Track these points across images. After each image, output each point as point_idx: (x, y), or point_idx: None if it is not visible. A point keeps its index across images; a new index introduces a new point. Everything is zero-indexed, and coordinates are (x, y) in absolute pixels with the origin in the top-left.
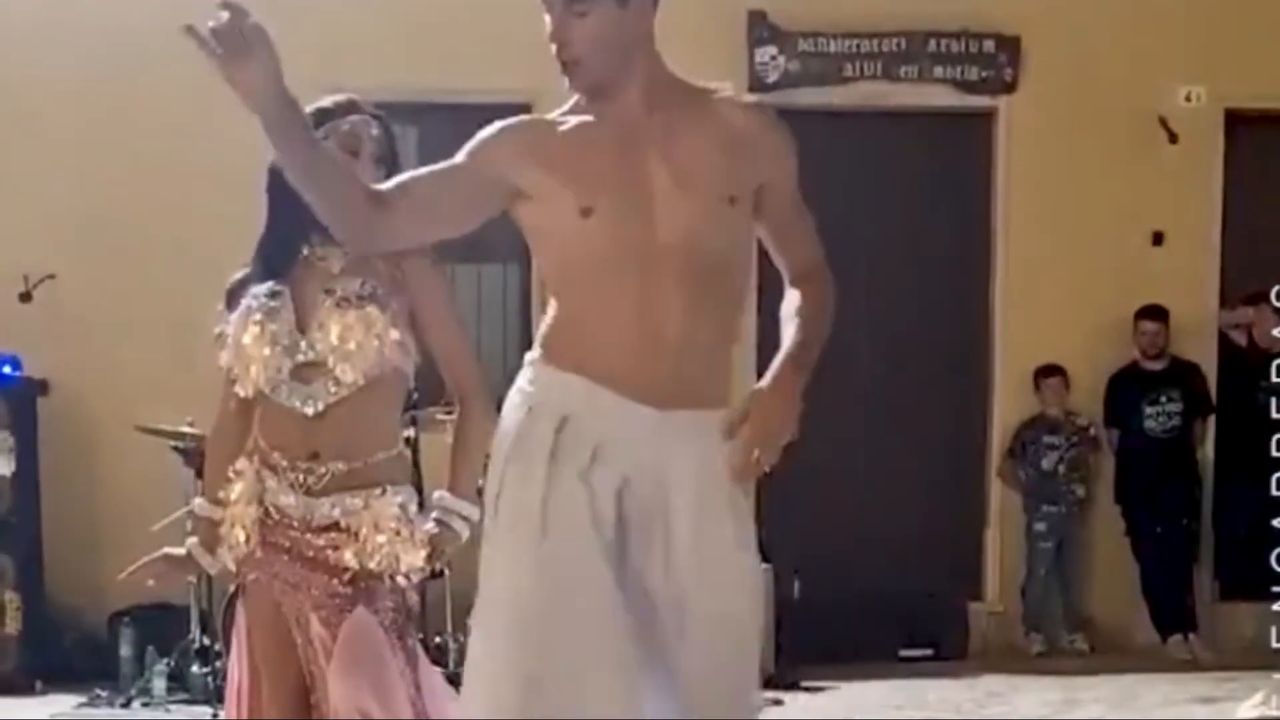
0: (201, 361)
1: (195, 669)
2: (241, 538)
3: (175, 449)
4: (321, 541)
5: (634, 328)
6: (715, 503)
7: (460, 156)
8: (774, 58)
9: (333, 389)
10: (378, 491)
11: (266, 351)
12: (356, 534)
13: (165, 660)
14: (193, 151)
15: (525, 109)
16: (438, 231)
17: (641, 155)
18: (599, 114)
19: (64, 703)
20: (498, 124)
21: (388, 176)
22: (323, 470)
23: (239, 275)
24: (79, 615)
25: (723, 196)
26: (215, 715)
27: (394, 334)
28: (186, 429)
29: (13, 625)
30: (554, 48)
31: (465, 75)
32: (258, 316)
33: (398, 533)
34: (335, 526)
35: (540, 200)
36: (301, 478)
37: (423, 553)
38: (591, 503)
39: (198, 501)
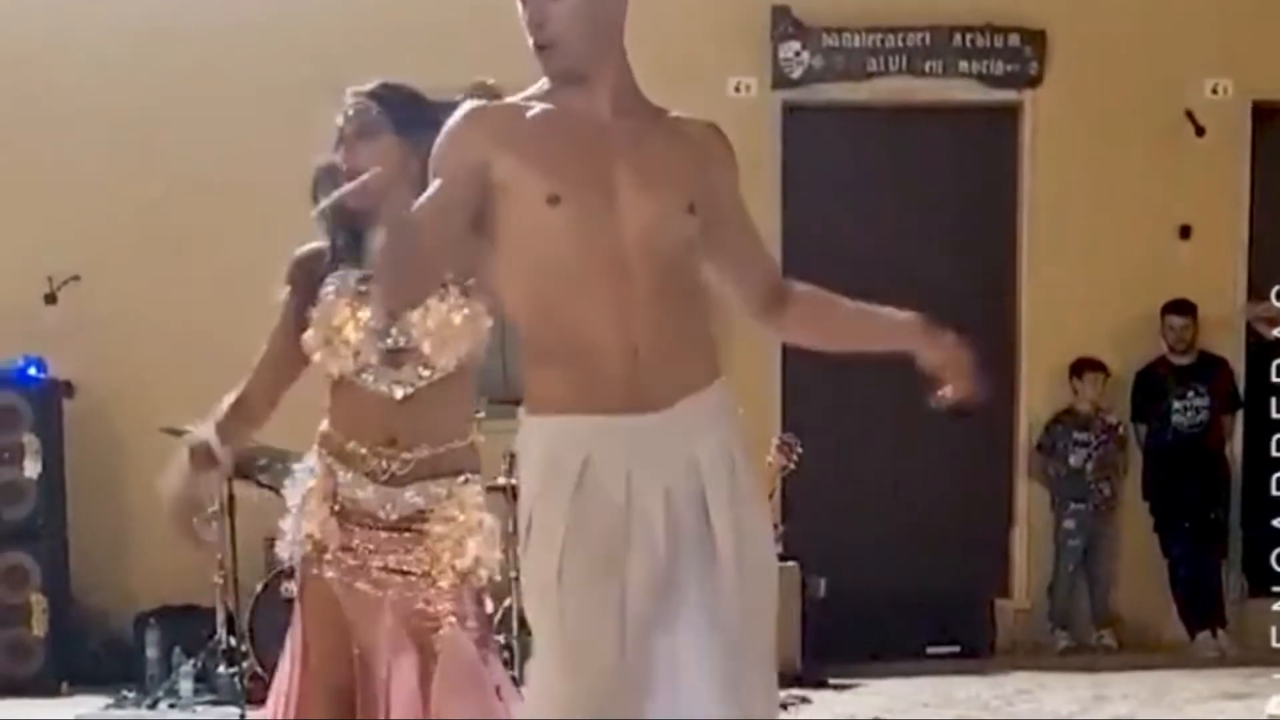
0: (226, 363)
1: (222, 670)
2: (315, 533)
3: None
4: (399, 539)
5: (614, 339)
6: (741, 480)
7: (441, 173)
8: (798, 53)
9: (423, 374)
10: (460, 479)
11: (357, 335)
12: (444, 522)
13: (192, 661)
14: (217, 154)
15: None
16: (468, 255)
17: (607, 154)
18: (565, 106)
19: (90, 704)
20: (463, 112)
21: (411, 141)
22: (407, 456)
23: (308, 249)
24: (105, 616)
25: (683, 204)
26: (242, 716)
27: (488, 321)
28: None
29: (39, 627)
30: (529, 30)
31: (477, 73)
32: (349, 299)
33: (480, 524)
34: (416, 519)
35: (510, 187)
36: (384, 464)
37: (499, 550)
38: (644, 533)
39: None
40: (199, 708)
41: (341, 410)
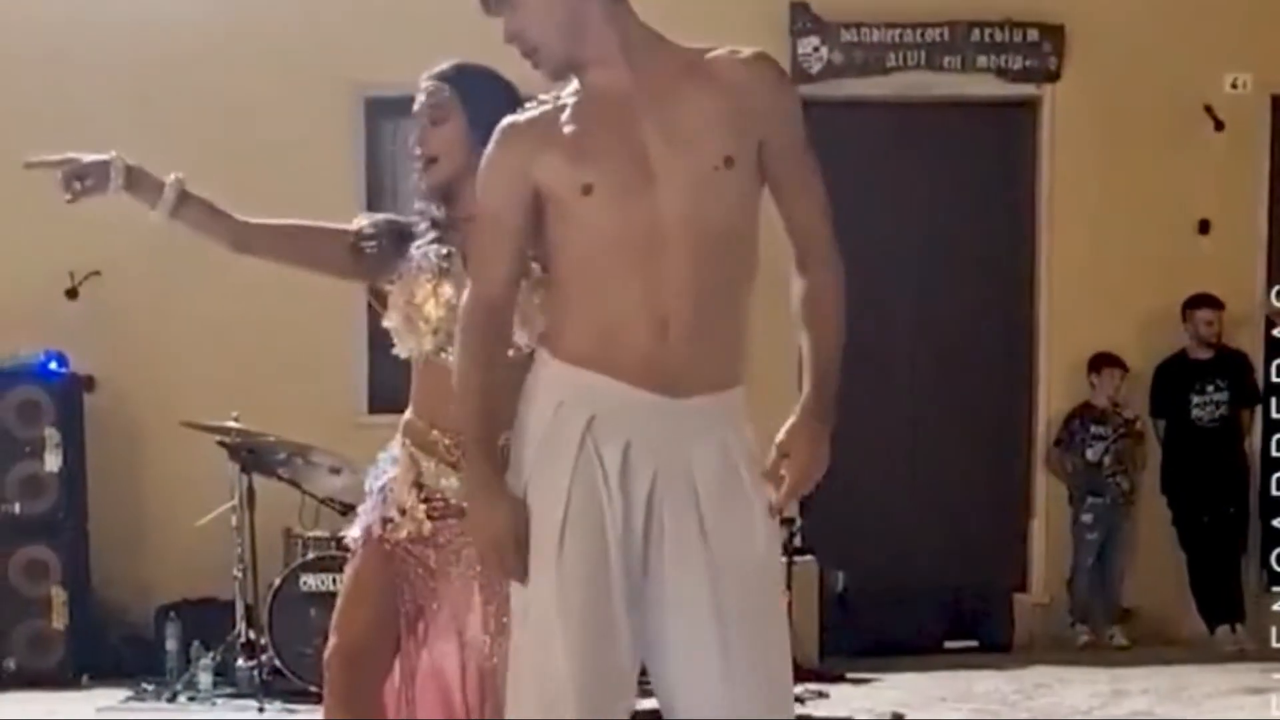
0: (247, 357)
1: (241, 663)
2: (403, 508)
3: (221, 444)
4: None
5: (644, 314)
6: (737, 485)
7: (490, 206)
8: (816, 49)
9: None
10: None
11: (439, 313)
12: None
13: (211, 655)
14: (238, 147)
15: None
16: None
17: (634, 124)
18: (591, 87)
19: (110, 697)
20: (497, 135)
21: (475, 129)
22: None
23: (391, 218)
24: (125, 610)
25: (717, 160)
26: (261, 709)
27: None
28: (232, 424)
29: (59, 620)
30: (514, 45)
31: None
32: (430, 275)
33: None
34: None
35: (549, 185)
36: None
37: None
38: (624, 508)
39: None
40: (218, 701)
41: (423, 394)
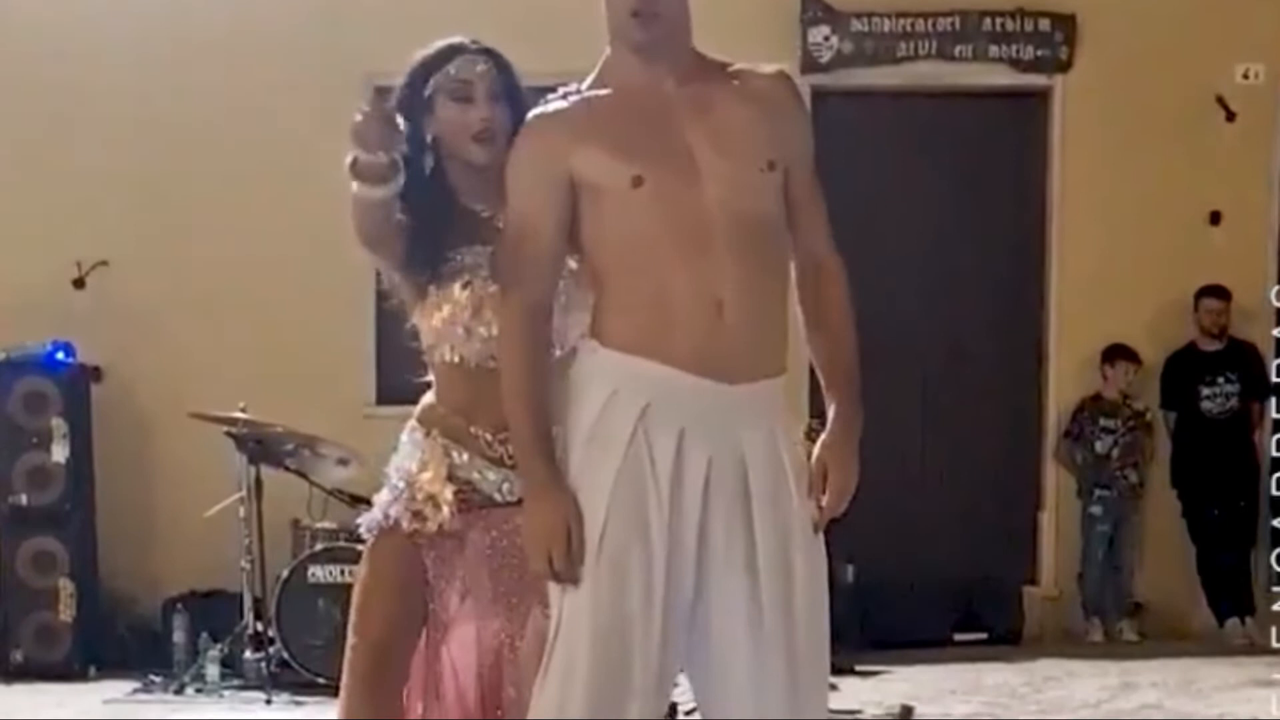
0: (254, 348)
1: (248, 655)
2: (432, 494)
3: (228, 435)
4: (508, 514)
5: (697, 308)
6: (782, 476)
7: (527, 198)
8: (827, 38)
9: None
10: None
11: (475, 316)
12: None
13: (218, 646)
14: (245, 139)
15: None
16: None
17: (679, 126)
18: (626, 85)
19: (118, 689)
20: (528, 125)
21: (513, 113)
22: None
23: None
24: (133, 602)
25: (762, 162)
26: (269, 701)
27: (591, 296)
28: (239, 415)
29: (67, 612)
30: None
31: (522, 57)
32: (467, 278)
33: None
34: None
35: (593, 176)
36: (510, 450)
37: None
38: (673, 508)
39: None
40: (225, 693)
41: (462, 394)
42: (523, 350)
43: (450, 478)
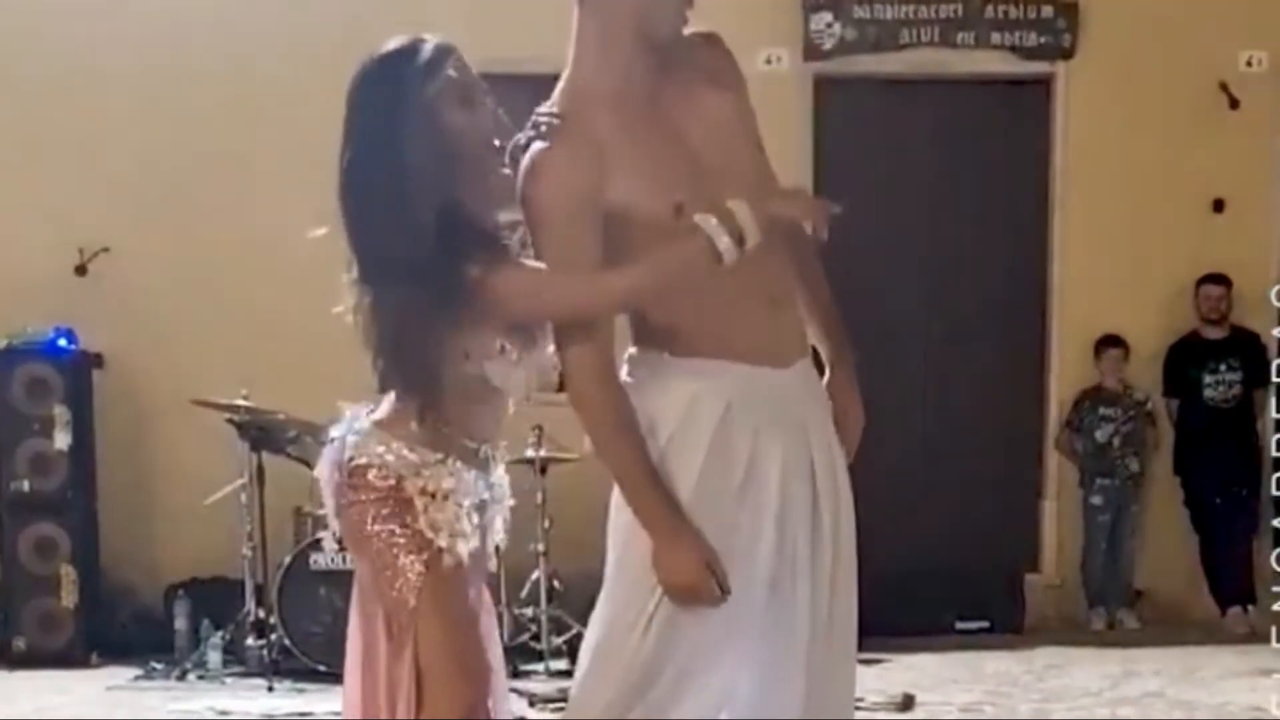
0: (256, 334)
1: (250, 642)
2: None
3: (230, 422)
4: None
5: (757, 304)
6: (836, 450)
7: (573, 233)
8: (829, 25)
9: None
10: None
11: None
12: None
13: (220, 633)
14: (249, 126)
15: None
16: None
17: (684, 129)
18: (624, 91)
19: (120, 675)
20: (554, 155)
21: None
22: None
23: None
24: (135, 588)
25: (753, 145)
26: (271, 688)
27: None
28: (241, 402)
29: (69, 599)
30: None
31: (518, 45)
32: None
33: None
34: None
35: (631, 207)
36: (481, 450)
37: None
38: (754, 519)
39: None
40: (227, 679)
41: (466, 412)
42: (611, 406)
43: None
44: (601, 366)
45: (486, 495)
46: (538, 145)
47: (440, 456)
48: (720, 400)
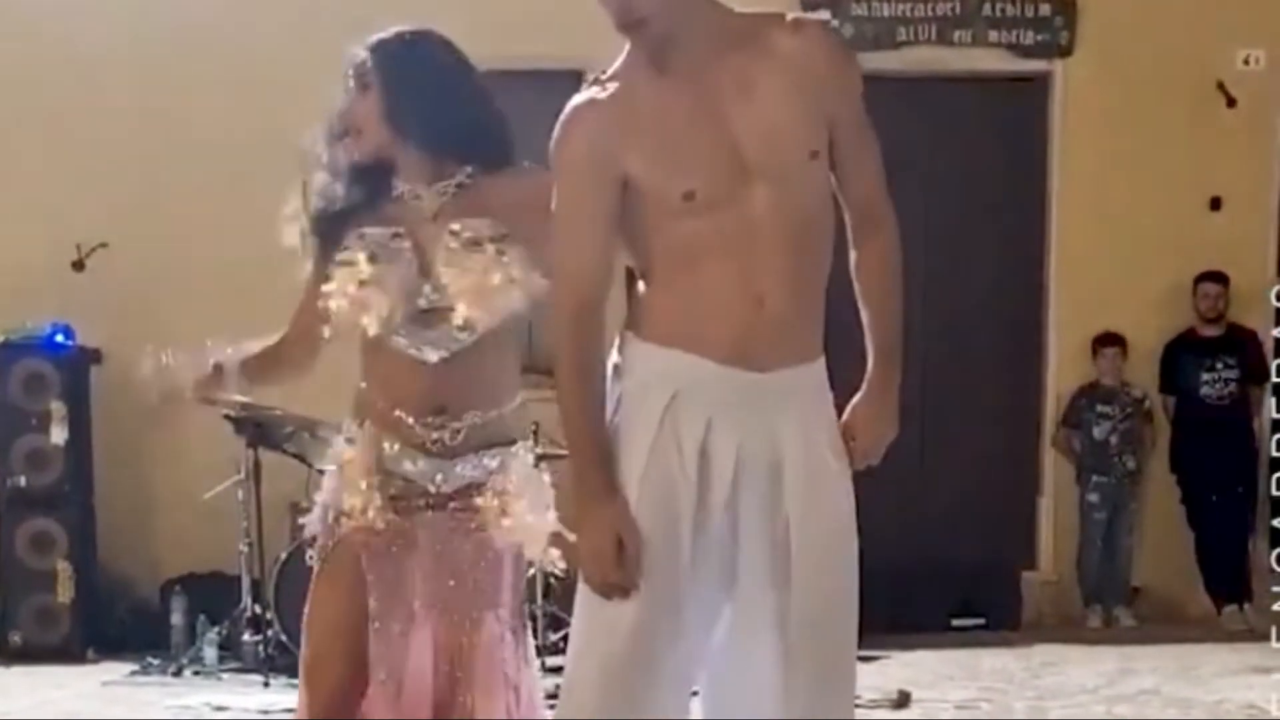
0: (254, 331)
1: (247, 638)
2: (358, 506)
3: (227, 418)
4: (449, 516)
5: (737, 302)
6: (820, 462)
7: (577, 184)
8: (827, 23)
9: (461, 335)
10: (513, 448)
11: (384, 295)
12: (496, 496)
13: (217, 629)
14: (245, 122)
15: (576, 76)
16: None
17: (724, 120)
18: (665, 69)
19: (116, 671)
20: (579, 110)
21: (388, 98)
22: (457, 425)
23: (327, 205)
24: (131, 584)
25: (806, 152)
26: (267, 684)
27: (535, 277)
28: (239, 398)
29: (65, 594)
30: (615, 13)
31: (516, 41)
32: (373, 257)
33: (530, 494)
34: (467, 493)
35: (644, 185)
36: (434, 436)
37: (552, 515)
38: (699, 497)
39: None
40: (224, 675)
41: (380, 375)
42: (574, 349)
43: (381, 470)
44: (576, 308)
45: (411, 468)
46: (574, 98)
47: (356, 424)
48: (667, 389)
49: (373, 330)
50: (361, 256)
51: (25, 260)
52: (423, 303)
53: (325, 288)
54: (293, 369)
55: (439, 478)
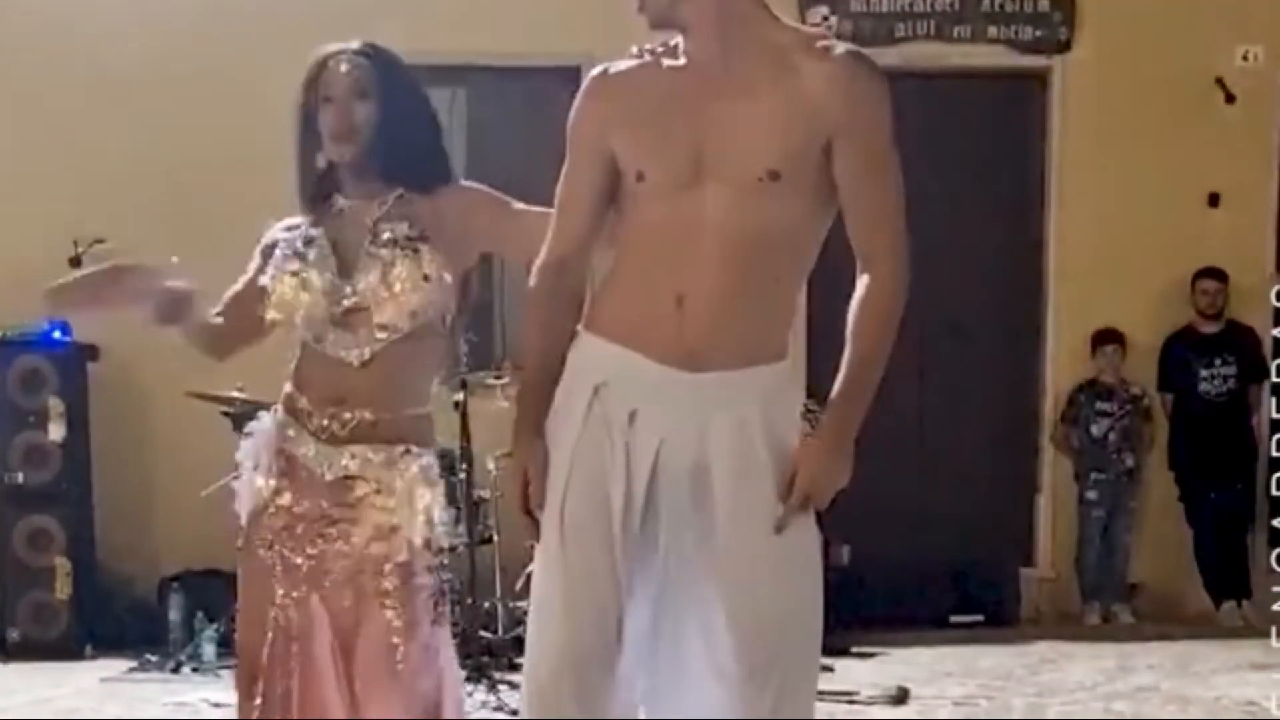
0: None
1: None
2: (263, 488)
3: (225, 414)
4: (336, 506)
5: (658, 298)
6: (753, 463)
7: (572, 153)
8: (826, 18)
9: (379, 335)
10: (400, 449)
11: (307, 298)
12: (381, 493)
13: (215, 625)
14: (243, 117)
15: (574, 72)
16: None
17: (701, 114)
18: (691, 58)
19: (114, 667)
20: (586, 85)
21: (387, 109)
22: (348, 416)
23: (283, 226)
24: (129, 581)
25: (761, 172)
26: None
27: (446, 277)
28: (236, 394)
29: (63, 591)
30: (648, 17)
31: (514, 38)
32: (295, 264)
33: (417, 498)
34: (351, 484)
35: (619, 161)
36: (325, 423)
37: (420, 523)
38: (626, 474)
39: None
40: (222, 672)
41: (302, 372)
42: (539, 302)
43: (281, 452)
44: (553, 261)
45: (306, 452)
46: (595, 69)
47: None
48: (591, 379)
49: (301, 332)
50: (278, 266)
51: (22, 256)
52: (346, 304)
53: (262, 279)
54: (209, 333)
55: (325, 464)
